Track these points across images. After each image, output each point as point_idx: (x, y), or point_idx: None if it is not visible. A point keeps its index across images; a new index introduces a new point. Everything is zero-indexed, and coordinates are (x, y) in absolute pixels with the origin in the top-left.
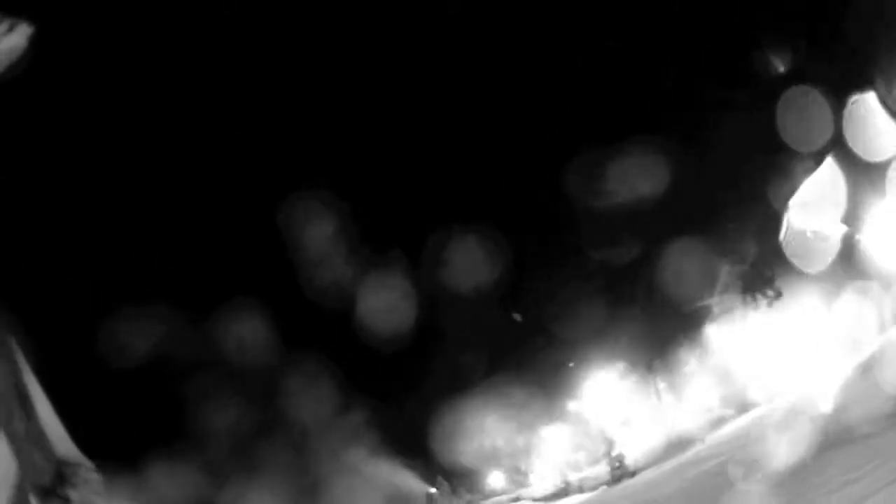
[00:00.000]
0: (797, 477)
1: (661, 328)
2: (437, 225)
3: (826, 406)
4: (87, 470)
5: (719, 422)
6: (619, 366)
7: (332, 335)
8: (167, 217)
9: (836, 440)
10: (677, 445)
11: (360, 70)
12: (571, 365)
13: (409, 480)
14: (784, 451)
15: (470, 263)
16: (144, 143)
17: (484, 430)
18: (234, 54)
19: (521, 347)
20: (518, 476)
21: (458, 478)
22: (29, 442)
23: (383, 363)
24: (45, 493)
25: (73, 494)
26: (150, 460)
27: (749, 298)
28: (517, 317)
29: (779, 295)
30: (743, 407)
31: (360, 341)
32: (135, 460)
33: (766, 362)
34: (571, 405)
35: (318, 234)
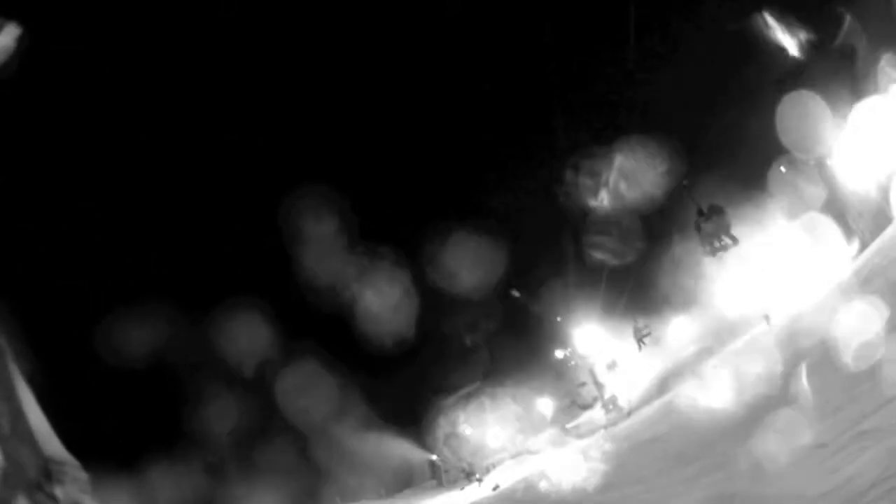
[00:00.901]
0: (790, 403)
1: (639, 274)
2: (433, 221)
3: (810, 331)
4: (74, 468)
5: (704, 354)
6: (603, 313)
7: (329, 328)
8: (164, 216)
9: (826, 364)
10: (667, 381)
11: (359, 69)
12: (559, 319)
13: (409, 450)
14: (773, 376)
15: (466, 251)
16: (142, 142)
17: (478, 391)
18: (230, 53)
19: (515, 314)
20: (517, 432)
21: (457, 441)
22: (16, 439)
23: (380, 341)
24: (32, 489)
25: (59, 492)
26: (148, 460)
27: (716, 242)
28: (515, 293)
29: (737, 240)
30: (727, 338)
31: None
32: (132, 461)
33: (744, 293)
34: (560, 355)
35: (318, 233)
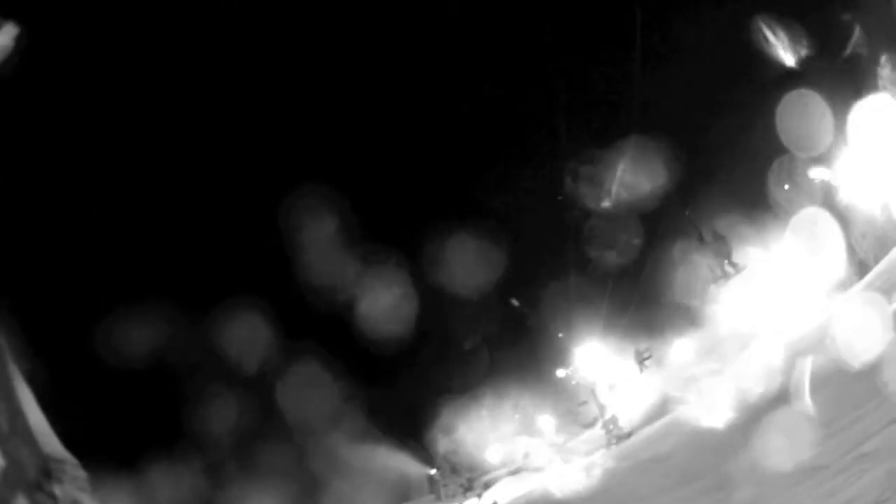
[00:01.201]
0: (792, 423)
1: (642, 292)
2: (433, 221)
3: (812, 351)
4: (74, 466)
5: (706, 373)
6: (605, 331)
7: (329, 328)
8: (164, 216)
9: (830, 384)
10: (668, 401)
11: (360, 69)
12: (560, 335)
13: (409, 464)
14: (776, 397)
15: (466, 256)
16: (142, 142)
17: (479, 405)
18: (231, 53)
19: (515, 326)
20: (516, 447)
21: (456, 456)
22: (16, 438)
23: (380, 346)
24: (32, 489)
25: (58, 490)
26: (148, 460)
27: (717, 270)
28: (514, 302)
29: (739, 266)
30: (729, 357)
31: (355, 324)
32: (132, 460)
33: (747, 312)
34: (562, 373)
35: (319, 233)
